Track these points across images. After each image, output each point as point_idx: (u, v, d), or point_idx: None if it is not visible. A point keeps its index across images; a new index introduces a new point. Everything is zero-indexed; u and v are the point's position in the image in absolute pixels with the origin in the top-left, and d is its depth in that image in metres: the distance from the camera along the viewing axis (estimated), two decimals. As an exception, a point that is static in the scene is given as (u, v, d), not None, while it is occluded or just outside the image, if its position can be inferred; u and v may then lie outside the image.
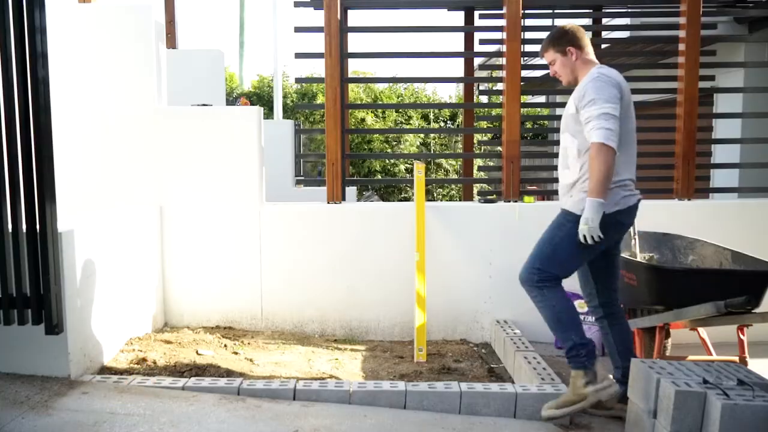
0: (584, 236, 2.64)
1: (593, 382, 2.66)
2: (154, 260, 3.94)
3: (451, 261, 4.02)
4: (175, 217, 4.04)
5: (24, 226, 2.60)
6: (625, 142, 2.75)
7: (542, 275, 2.78)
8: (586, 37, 2.92)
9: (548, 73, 6.90)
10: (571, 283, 3.99)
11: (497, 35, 4.93)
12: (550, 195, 5.90)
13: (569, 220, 2.77)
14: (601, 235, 2.63)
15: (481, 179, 5.20)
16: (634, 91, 4.97)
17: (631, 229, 3.48)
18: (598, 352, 3.53)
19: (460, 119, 12.43)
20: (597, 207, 2.62)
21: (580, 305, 3.89)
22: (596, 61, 2.93)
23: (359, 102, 12.28)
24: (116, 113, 3.98)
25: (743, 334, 3.07)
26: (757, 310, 2.85)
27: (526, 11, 4.54)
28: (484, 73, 12.60)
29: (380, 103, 13.14)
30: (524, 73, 4.34)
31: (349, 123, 4.52)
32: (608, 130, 2.62)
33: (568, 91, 7.58)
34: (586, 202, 2.66)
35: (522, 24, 4.19)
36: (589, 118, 2.68)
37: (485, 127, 10.40)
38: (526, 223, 4.03)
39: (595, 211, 2.62)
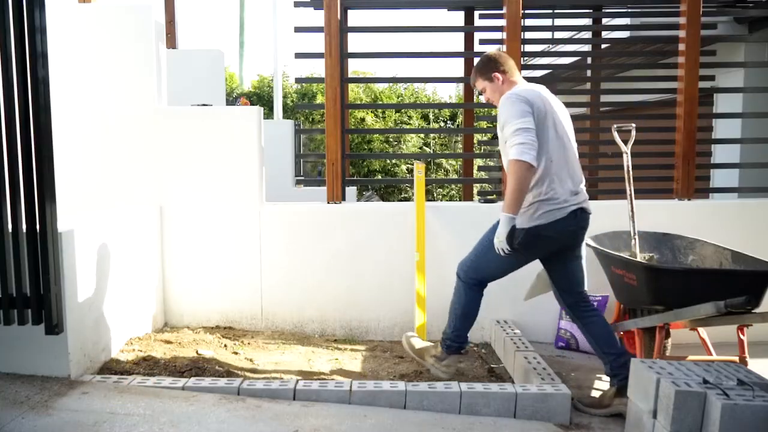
0: (498, 249, 2.80)
1: (439, 359, 3.13)
2: (154, 260, 3.94)
3: (451, 261, 3.99)
4: (175, 217, 4.04)
5: (24, 226, 2.60)
6: (543, 154, 2.79)
7: (467, 275, 3.04)
8: (510, 61, 3.08)
9: (548, 73, 6.90)
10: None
11: (497, 35, 4.93)
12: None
13: (494, 229, 2.91)
14: (509, 249, 2.75)
15: (481, 179, 5.19)
16: (634, 92, 5.01)
17: (631, 229, 3.49)
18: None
19: (460, 119, 12.43)
20: (506, 221, 2.74)
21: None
22: (521, 81, 3.06)
23: (359, 102, 12.27)
24: (116, 113, 3.98)
25: (743, 334, 3.07)
26: (757, 310, 2.85)
27: (526, 11, 4.53)
28: (484, 73, 12.59)
29: (380, 103, 13.14)
30: (524, 73, 4.32)
31: (349, 123, 4.52)
32: (520, 144, 2.69)
33: (569, 92, 7.55)
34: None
35: (522, 24, 4.19)
36: (506, 139, 2.78)
37: (485, 127, 10.38)
38: (526, 223, 4.03)
39: (503, 225, 2.74)
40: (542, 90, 2.96)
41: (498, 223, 2.83)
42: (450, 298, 3.99)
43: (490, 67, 3.03)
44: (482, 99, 3.27)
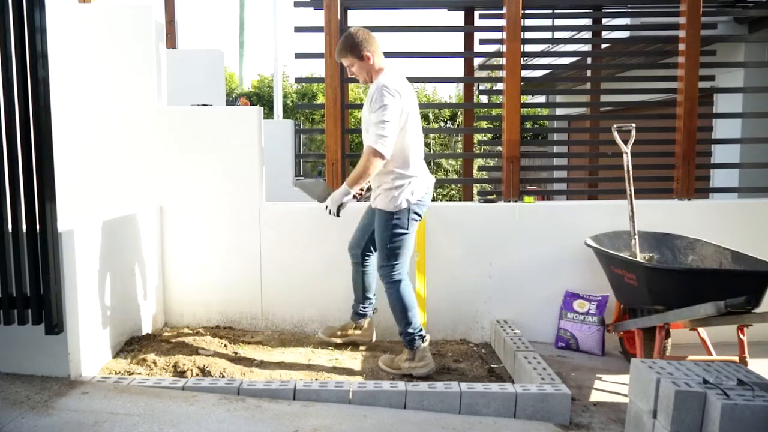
0: (327, 207, 3.24)
1: (411, 359, 3.27)
2: (154, 260, 3.94)
3: (451, 261, 4.02)
4: (175, 217, 4.04)
5: (24, 226, 2.60)
6: (406, 144, 3.17)
7: (387, 274, 3.25)
8: (377, 41, 3.28)
9: (548, 73, 6.89)
10: (571, 284, 4.00)
11: (497, 35, 4.93)
12: (550, 195, 5.91)
13: (386, 219, 3.21)
14: (334, 213, 3.21)
15: (481, 179, 5.19)
16: (634, 92, 5.02)
17: (631, 229, 3.49)
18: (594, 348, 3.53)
19: (460, 119, 12.44)
20: (344, 192, 3.16)
21: (580, 305, 3.90)
22: (386, 63, 3.29)
23: (359, 102, 12.26)
24: (116, 113, 3.98)
25: (743, 334, 3.07)
26: (757, 310, 2.86)
27: (526, 11, 4.53)
28: (484, 73, 12.60)
29: (380, 103, 13.12)
30: (524, 73, 4.33)
31: (349, 123, 4.52)
32: (382, 138, 3.02)
33: (569, 92, 7.52)
34: (393, 199, 3.15)
35: (522, 24, 4.19)
36: (372, 123, 3.08)
37: (485, 127, 10.39)
38: (526, 223, 4.03)
39: (340, 193, 3.17)
40: (404, 79, 3.27)
41: (375, 216, 3.25)
42: (449, 298, 4.01)
43: (363, 46, 3.22)
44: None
